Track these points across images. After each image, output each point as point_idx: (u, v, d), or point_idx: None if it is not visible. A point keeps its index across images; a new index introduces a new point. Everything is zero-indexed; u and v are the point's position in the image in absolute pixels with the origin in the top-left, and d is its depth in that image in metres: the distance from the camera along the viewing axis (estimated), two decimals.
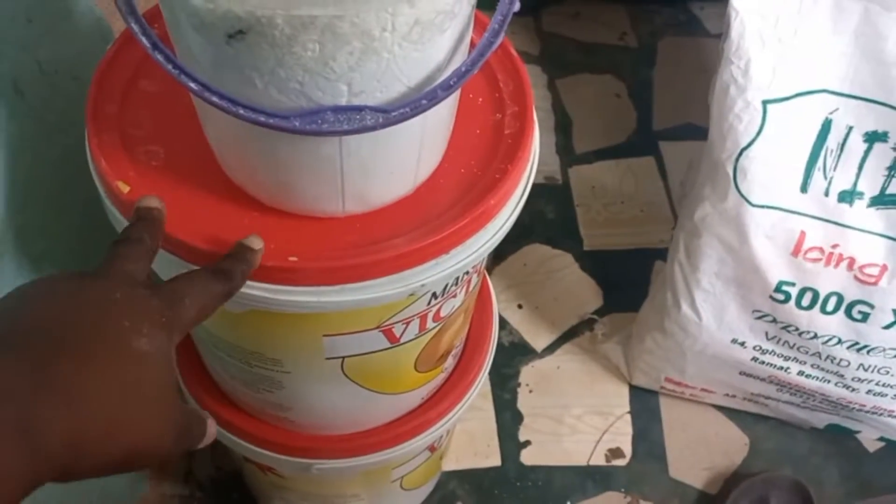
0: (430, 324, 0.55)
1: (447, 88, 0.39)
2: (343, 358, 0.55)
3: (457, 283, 0.53)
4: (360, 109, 0.37)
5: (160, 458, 0.33)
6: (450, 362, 0.68)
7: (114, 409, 0.30)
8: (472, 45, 0.44)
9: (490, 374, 1.03)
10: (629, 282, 1.09)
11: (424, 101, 0.38)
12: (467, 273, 0.54)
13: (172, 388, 0.34)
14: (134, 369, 0.31)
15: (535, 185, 1.24)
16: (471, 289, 0.58)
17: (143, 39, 0.36)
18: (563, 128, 1.29)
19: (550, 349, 1.06)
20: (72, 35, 0.62)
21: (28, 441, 0.27)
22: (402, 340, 0.55)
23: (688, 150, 1.23)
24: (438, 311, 0.54)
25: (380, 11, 0.34)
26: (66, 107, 0.60)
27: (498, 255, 1.13)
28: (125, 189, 0.45)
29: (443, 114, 0.45)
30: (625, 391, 1.03)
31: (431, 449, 0.79)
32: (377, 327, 0.52)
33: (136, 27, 0.36)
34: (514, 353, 1.05)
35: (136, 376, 0.31)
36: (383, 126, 0.38)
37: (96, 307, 0.32)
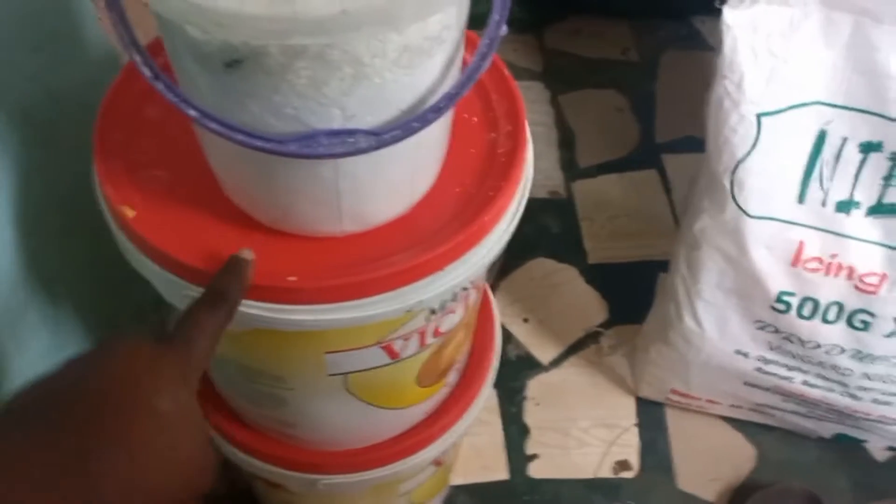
0: (429, 339, 0.56)
1: (437, 111, 0.40)
2: (345, 374, 0.56)
3: (455, 299, 0.54)
4: (353, 133, 0.39)
5: (206, 489, 0.37)
6: (453, 377, 0.69)
7: (160, 461, 0.33)
8: (466, 63, 0.45)
9: (496, 387, 1.04)
10: (634, 294, 1.10)
11: (415, 124, 0.40)
12: (465, 289, 0.55)
13: (202, 431, 0.36)
14: (165, 423, 0.34)
15: (539, 200, 1.26)
16: (470, 304, 0.59)
17: (145, 69, 0.37)
18: (566, 143, 1.30)
19: (556, 362, 1.07)
20: (80, 63, 0.64)
21: None
22: (402, 356, 0.56)
23: (690, 162, 1.23)
24: (437, 326, 0.55)
25: (369, 39, 0.36)
26: (75, 133, 0.61)
27: (503, 270, 1.14)
28: (130, 213, 0.46)
29: (435, 135, 0.47)
30: (631, 403, 1.03)
31: (437, 463, 0.80)
32: (377, 343, 0.53)
33: (137, 58, 0.37)
34: (520, 367, 1.06)
35: (169, 429, 0.34)
36: (376, 148, 0.39)
37: (104, 374, 0.34)
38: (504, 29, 0.41)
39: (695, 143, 1.25)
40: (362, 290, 0.46)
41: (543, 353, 1.07)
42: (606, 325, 1.10)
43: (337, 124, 0.39)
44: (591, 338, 1.09)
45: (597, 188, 1.25)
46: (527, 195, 0.54)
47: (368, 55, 0.36)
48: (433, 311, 0.53)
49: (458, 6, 0.40)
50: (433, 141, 0.47)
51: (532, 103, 1.34)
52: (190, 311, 0.40)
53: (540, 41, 1.46)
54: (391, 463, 0.68)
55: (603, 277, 1.15)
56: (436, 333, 0.56)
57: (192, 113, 0.37)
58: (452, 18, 0.39)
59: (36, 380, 0.34)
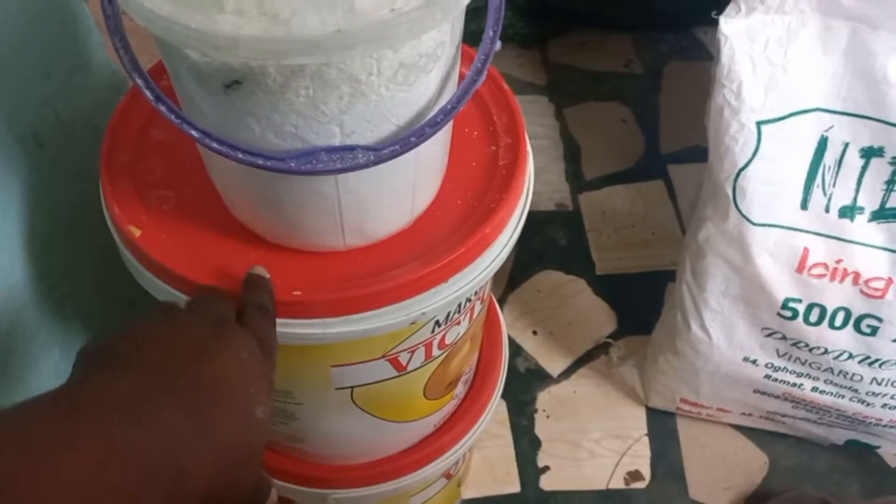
0: (435, 351, 0.57)
1: (434, 125, 0.41)
2: (352, 388, 0.56)
3: (459, 311, 0.55)
4: (352, 149, 0.40)
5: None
6: (460, 389, 0.69)
7: (238, 458, 0.35)
8: (463, 77, 0.46)
9: (507, 400, 1.04)
10: (642, 304, 1.10)
11: (413, 139, 0.41)
12: (469, 300, 0.55)
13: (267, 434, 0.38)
14: (254, 431, 0.36)
15: (546, 213, 1.26)
16: (475, 316, 0.60)
17: (147, 93, 0.38)
18: (571, 155, 1.31)
19: (566, 374, 1.07)
20: (88, 88, 0.65)
21: (179, 477, 0.31)
22: (408, 368, 0.56)
23: (696, 172, 1.23)
24: (443, 338, 0.56)
25: (365, 57, 0.37)
26: (84, 155, 0.63)
27: (511, 283, 1.14)
28: (137, 233, 0.47)
29: (434, 149, 0.48)
30: (642, 413, 1.03)
31: (448, 476, 0.80)
32: (383, 356, 0.54)
33: (140, 82, 0.38)
34: (530, 379, 1.06)
35: (254, 435, 0.36)
36: (374, 163, 0.40)
37: (233, 365, 0.37)
38: (498, 44, 0.42)
39: (700, 153, 1.25)
40: (366, 303, 0.47)
41: (553, 364, 1.08)
42: (615, 335, 1.10)
43: (337, 141, 0.40)
44: (600, 349, 1.09)
45: (603, 199, 1.25)
46: (528, 206, 0.54)
47: (365, 73, 0.37)
48: (438, 323, 0.54)
49: (453, 23, 0.40)
50: (433, 155, 0.48)
51: (537, 117, 1.35)
52: (262, 323, 0.42)
53: (544, 55, 1.47)
54: (401, 476, 0.69)
55: (611, 288, 1.15)
56: (441, 345, 0.57)
57: (194, 133, 0.38)
58: (447, 35, 0.40)
59: (143, 326, 0.36)
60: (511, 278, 1.15)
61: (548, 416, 1.03)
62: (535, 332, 1.10)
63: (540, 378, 1.06)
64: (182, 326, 0.37)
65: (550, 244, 1.19)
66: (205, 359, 0.35)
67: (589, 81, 1.42)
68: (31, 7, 0.56)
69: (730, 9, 0.70)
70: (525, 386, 1.05)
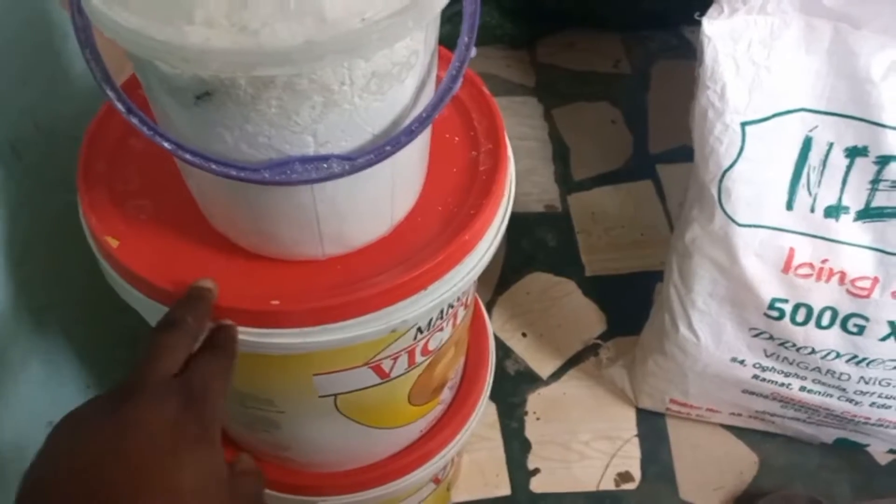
0: (418, 358, 0.57)
1: (410, 134, 0.41)
2: (335, 395, 0.56)
3: (442, 317, 0.55)
4: (326, 158, 0.39)
5: None
6: (446, 394, 0.69)
7: None
8: (440, 81, 0.46)
9: (497, 402, 1.04)
10: (632, 305, 1.10)
11: (388, 148, 0.40)
12: (451, 306, 0.55)
13: (225, 487, 0.36)
14: (191, 499, 0.34)
15: (535, 214, 1.25)
16: (458, 321, 0.60)
17: (119, 105, 0.38)
18: (560, 156, 1.30)
19: (556, 376, 1.07)
20: (68, 96, 0.65)
21: None
22: (392, 376, 0.56)
23: (685, 171, 1.22)
24: (426, 345, 0.56)
25: (336, 67, 0.36)
26: (64, 164, 0.62)
27: (501, 285, 1.14)
28: (114, 243, 0.47)
29: (412, 156, 0.47)
30: (632, 414, 1.03)
31: (436, 481, 0.80)
32: (365, 364, 0.53)
33: (111, 94, 0.38)
34: (519, 382, 1.06)
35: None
36: (350, 173, 0.40)
37: (139, 452, 0.34)
38: (473, 51, 0.42)
39: (688, 153, 1.25)
40: (346, 312, 0.47)
41: (543, 366, 1.07)
42: (605, 337, 1.10)
43: (311, 150, 0.40)
44: (589, 350, 1.09)
45: (592, 200, 1.25)
46: (510, 212, 0.54)
47: (337, 83, 0.37)
48: (420, 330, 0.53)
49: (426, 31, 0.40)
50: (411, 162, 0.48)
51: (525, 118, 1.35)
52: (197, 364, 0.40)
53: (532, 56, 1.47)
54: (388, 482, 0.68)
55: (601, 289, 1.15)
56: (424, 352, 0.57)
57: (167, 145, 0.38)
58: (420, 43, 0.40)
59: (55, 450, 0.34)
60: (500, 281, 1.15)
61: (538, 419, 1.03)
62: (524, 335, 1.10)
63: (530, 380, 1.06)
64: (79, 432, 0.35)
65: (539, 246, 1.19)
66: (107, 467, 0.33)
67: (577, 82, 1.42)
68: (11, 14, 0.56)
69: (712, 10, 0.70)
70: (515, 388, 1.05)
